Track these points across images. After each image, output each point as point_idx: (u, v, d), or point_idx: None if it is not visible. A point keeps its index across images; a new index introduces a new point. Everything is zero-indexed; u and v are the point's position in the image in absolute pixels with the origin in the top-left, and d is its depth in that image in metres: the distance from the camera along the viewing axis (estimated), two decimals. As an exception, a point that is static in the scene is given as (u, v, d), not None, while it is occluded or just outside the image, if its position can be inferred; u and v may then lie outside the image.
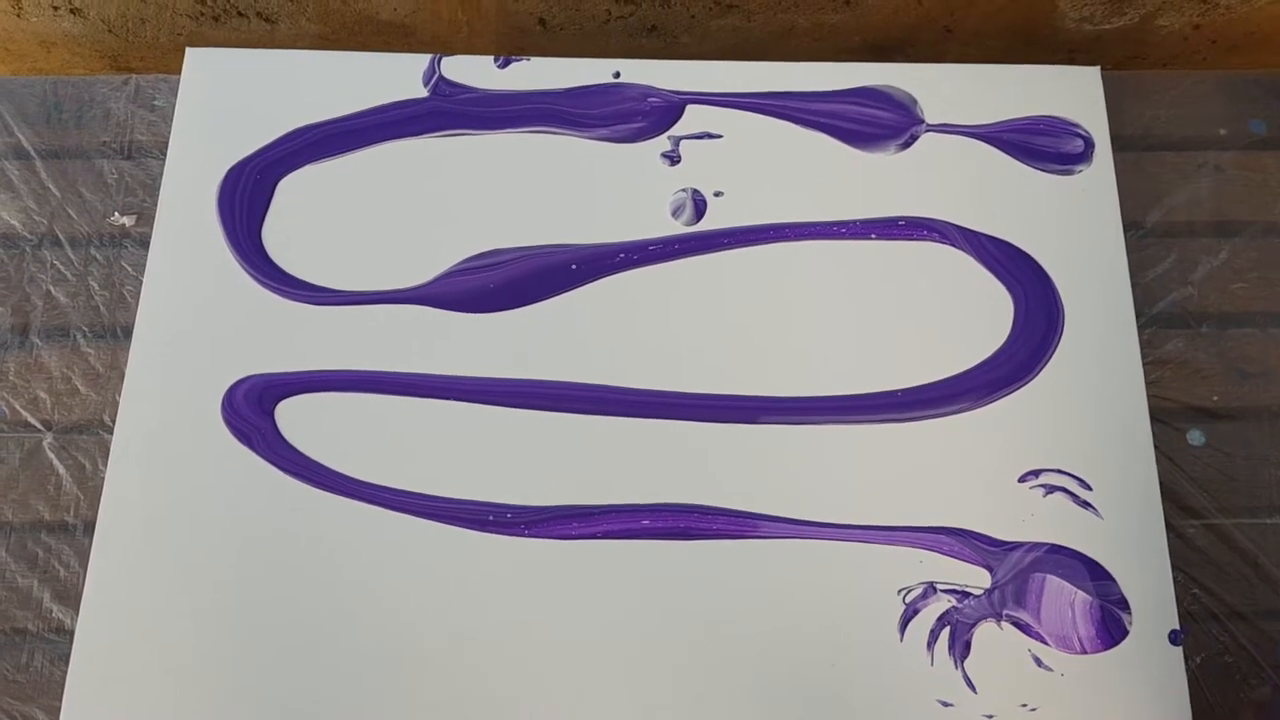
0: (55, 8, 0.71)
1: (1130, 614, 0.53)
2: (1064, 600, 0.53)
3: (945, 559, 0.54)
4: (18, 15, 0.71)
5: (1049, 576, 0.54)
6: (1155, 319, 0.60)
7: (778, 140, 0.62)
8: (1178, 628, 0.53)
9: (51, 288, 0.60)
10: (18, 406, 0.57)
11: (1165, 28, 0.73)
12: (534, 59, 0.64)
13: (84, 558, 0.54)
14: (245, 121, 0.62)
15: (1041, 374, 0.57)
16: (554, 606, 0.53)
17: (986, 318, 0.59)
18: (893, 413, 0.56)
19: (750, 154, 0.62)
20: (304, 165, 0.61)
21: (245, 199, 0.60)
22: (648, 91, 0.63)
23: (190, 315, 0.58)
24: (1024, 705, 0.51)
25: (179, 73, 0.63)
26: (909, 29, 0.73)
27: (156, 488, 0.55)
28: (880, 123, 0.63)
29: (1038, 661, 0.52)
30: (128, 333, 0.58)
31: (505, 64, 0.64)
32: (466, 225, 0.60)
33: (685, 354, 0.58)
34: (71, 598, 0.54)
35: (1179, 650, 0.53)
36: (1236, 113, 0.65)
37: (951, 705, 0.52)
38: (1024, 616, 0.53)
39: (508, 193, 0.61)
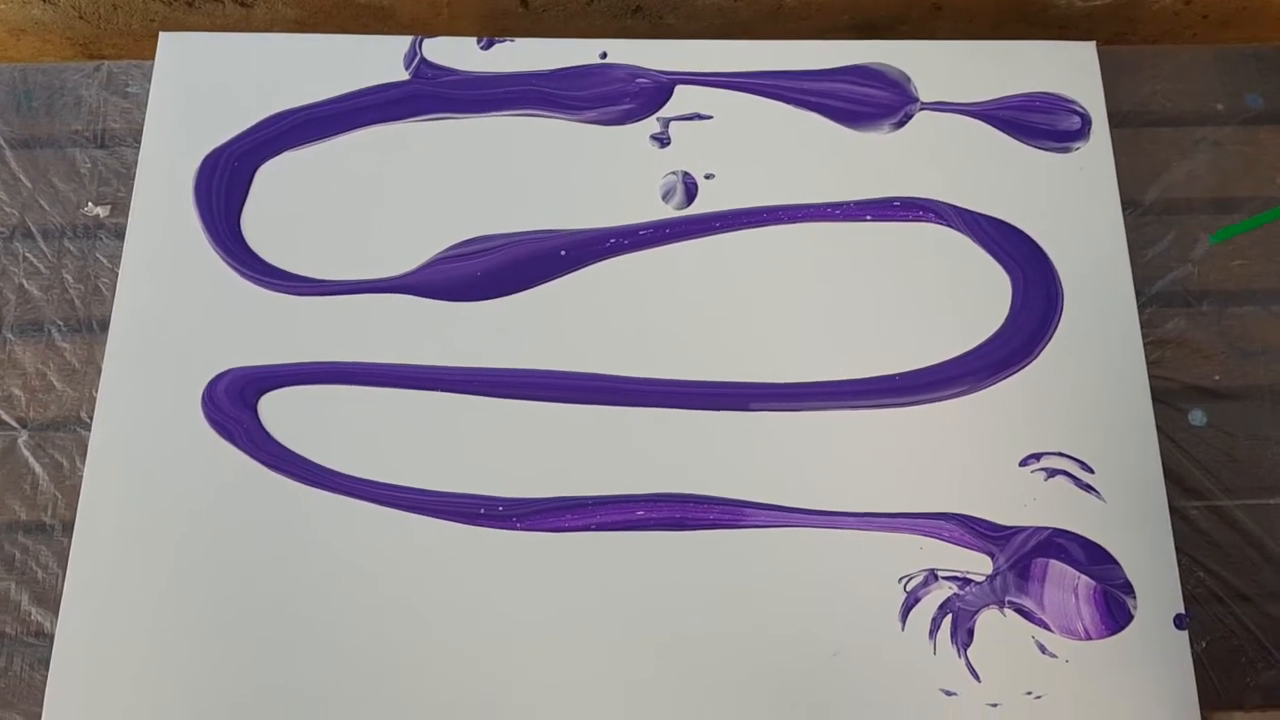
0: (24, -6, 0.69)
1: (1134, 598, 0.52)
2: (1067, 585, 0.52)
3: (946, 545, 0.53)
4: (-15, 2, 0.69)
5: (1051, 561, 0.53)
6: (1155, 298, 0.59)
7: (769, 121, 0.61)
8: (1183, 611, 0.52)
9: (24, 281, 0.58)
10: (-9, 404, 0.56)
11: (1157, 3, 0.73)
12: (518, 40, 0.63)
13: (63, 559, 0.52)
14: (221, 107, 0.61)
15: (1041, 356, 0.56)
16: (548, 601, 0.52)
17: (984, 299, 0.58)
18: (890, 397, 0.55)
19: (741, 135, 0.61)
20: (283, 151, 0.60)
21: (223, 187, 0.59)
22: (636, 72, 0.62)
23: (168, 308, 0.56)
24: (1029, 693, 0.51)
25: (152, 60, 0.62)
26: (898, 6, 0.72)
27: (136, 486, 0.53)
28: (874, 102, 0.61)
29: (1041, 648, 0.51)
30: (104, 326, 0.56)
31: (489, 45, 0.62)
32: (451, 212, 0.59)
33: (679, 340, 0.57)
34: (50, 600, 0.52)
35: (1184, 634, 0.52)
36: (1233, 87, 0.64)
37: (955, 695, 0.51)
38: (1027, 603, 0.52)
39: (493, 178, 0.59)
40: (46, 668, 0.50)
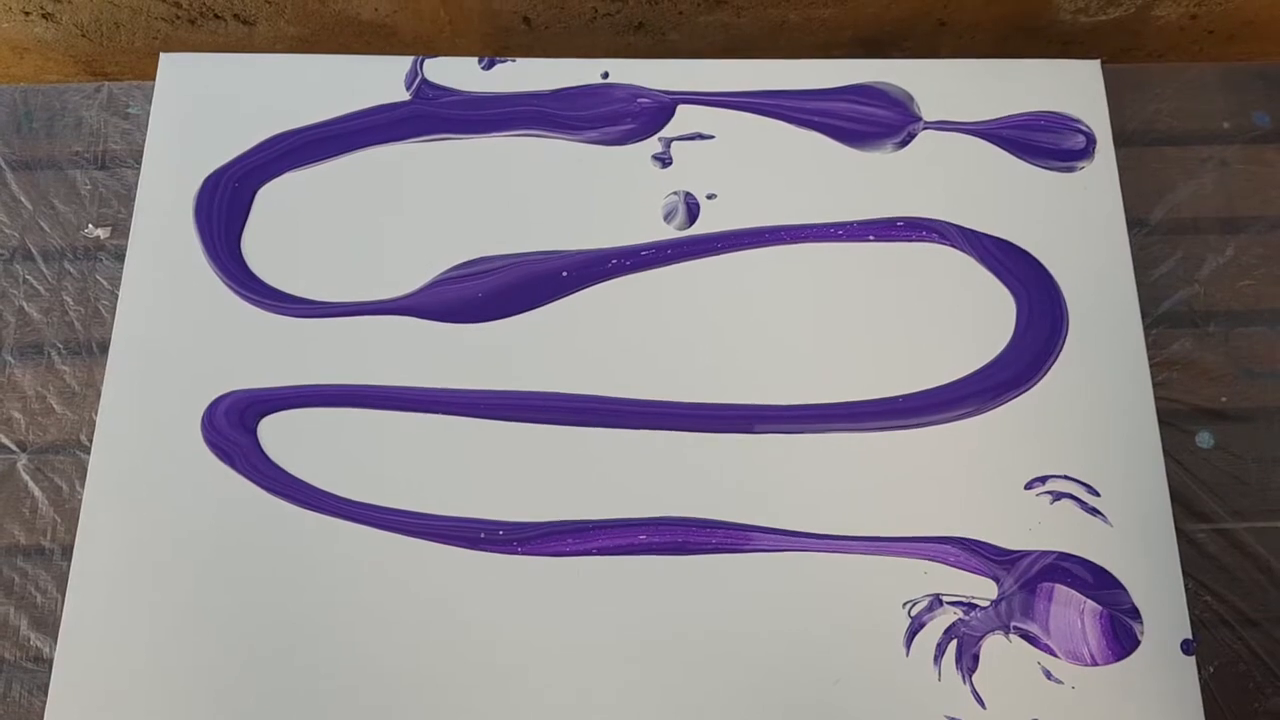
0: (26, 13, 0.69)
1: (1141, 623, 0.52)
2: (1073, 610, 0.52)
3: (950, 570, 0.53)
4: (-13, 21, 0.69)
5: (1057, 586, 0.52)
6: (1161, 319, 0.58)
7: (772, 140, 0.61)
8: (1190, 636, 0.51)
9: (24, 303, 0.58)
10: (-10, 428, 0.56)
11: (1161, 18, 0.72)
12: (519, 60, 0.62)
13: (62, 583, 0.52)
14: (222, 128, 0.60)
15: (1046, 378, 0.56)
16: (549, 626, 0.51)
17: (989, 320, 0.57)
18: (894, 419, 0.55)
19: (744, 155, 0.60)
20: (284, 173, 0.60)
21: (223, 208, 0.59)
22: (637, 92, 0.62)
23: (168, 330, 0.56)
24: (1034, 720, 0.50)
25: (155, 78, 0.62)
26: (902, 22, 0.72)
27: (136, 509, 0.53)
28: (876, 121, 0.61)
29: (1047, 674, 0.51)
30: (104, 349, 0.56)
31: (490, 65, 0.62)
32: (452, 233, 0.58)
33: (680, 362, 0.56)
34: (49, 625, 0.52)
35: (1191, 660, 0.51)
36: (1240, 105, 0.63)
37: (960, 721, 0.50)
38: (1032, 628, 0.52)
39: (494, 199, 0.59)
40: (45, 693, 0.50)
